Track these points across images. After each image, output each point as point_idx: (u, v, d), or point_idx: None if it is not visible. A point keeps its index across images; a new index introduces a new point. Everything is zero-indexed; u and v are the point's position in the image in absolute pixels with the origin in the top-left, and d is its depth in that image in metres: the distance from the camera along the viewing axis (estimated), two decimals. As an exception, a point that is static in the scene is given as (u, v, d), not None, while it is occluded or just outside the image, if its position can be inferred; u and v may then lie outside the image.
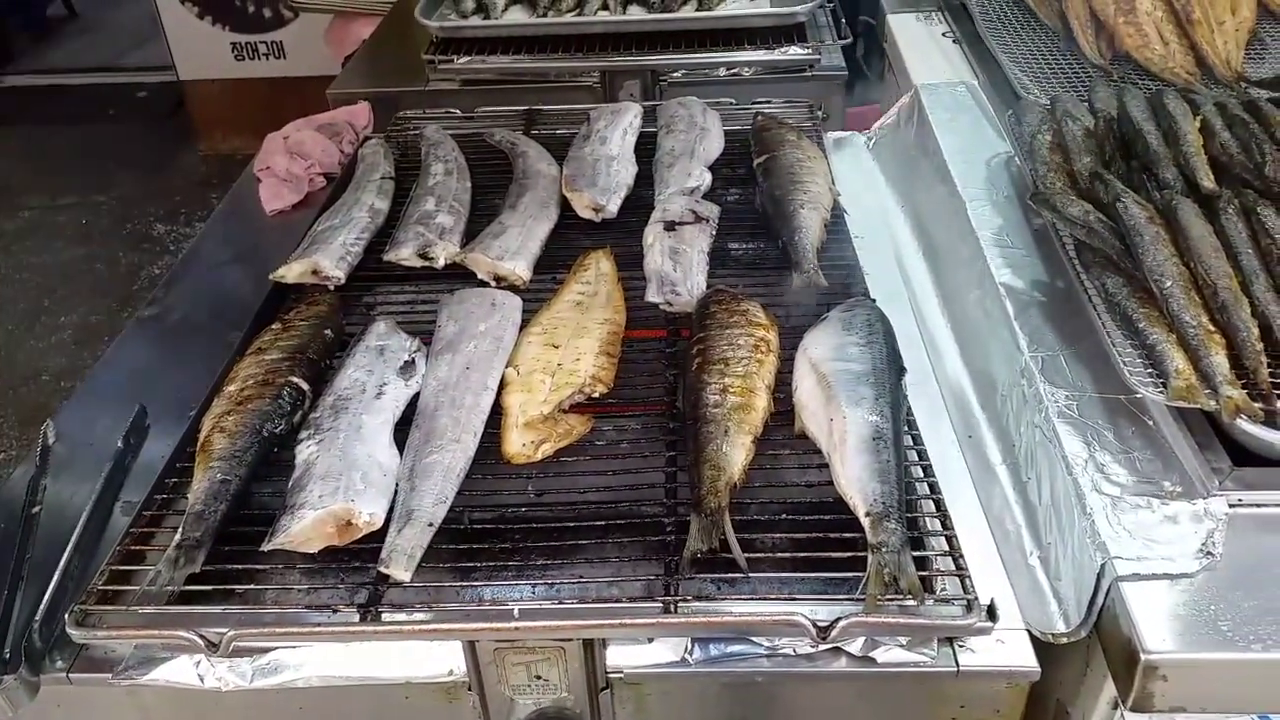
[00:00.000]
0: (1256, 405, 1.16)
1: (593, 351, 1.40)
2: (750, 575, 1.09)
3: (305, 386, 1.34)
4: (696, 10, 2.68)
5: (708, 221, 1.75)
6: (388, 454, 1.23)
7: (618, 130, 2.04)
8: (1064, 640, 1.12)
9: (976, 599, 1.06)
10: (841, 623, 1.02)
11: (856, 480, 1.14)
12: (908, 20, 2.51)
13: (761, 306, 1.46)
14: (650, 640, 1.10)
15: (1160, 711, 1.06)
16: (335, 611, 1.05)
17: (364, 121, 2.30)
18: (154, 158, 5.61)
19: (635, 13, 2.72)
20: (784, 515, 1.17)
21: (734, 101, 2.26)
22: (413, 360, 1.39)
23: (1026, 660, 1.10)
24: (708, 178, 1.90)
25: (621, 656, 1.12)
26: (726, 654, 1.10)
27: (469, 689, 1.12)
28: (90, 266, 4.73)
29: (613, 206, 1.83)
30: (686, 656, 1.11)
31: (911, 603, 1.04)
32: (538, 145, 2.05)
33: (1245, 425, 1.17)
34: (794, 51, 2.52)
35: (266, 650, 1.09)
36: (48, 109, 6.46)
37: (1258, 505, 1.16)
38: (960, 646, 1.12)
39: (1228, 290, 1.24)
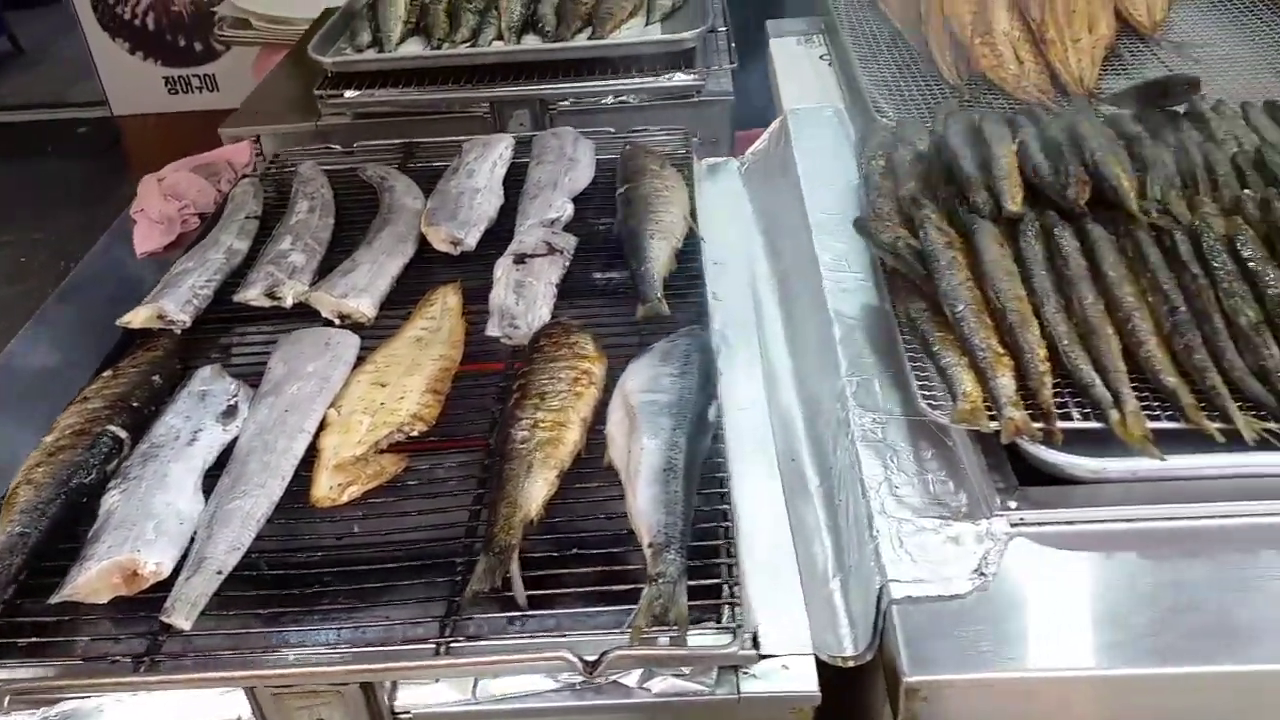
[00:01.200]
0: (1036, 426, 1.19)
1: (419, 390, 1.41)
2: (531, 613, 1.10)
3: (123, 435, 1.35)
4: (589, 39, 2.72)
5: (562, 253, 1.77)
6: (190, 502, 1.24)
7: (486, 163, 2.06)
8: (851, 664, 1.13)
9: (740, 628, 1.07)
10: (609, 656, 1.04)
11: (642, 512, 1.16)
12: (789, 44, 2.55)
13: (592, 338, 1.48)
14: (436, 680, 1.11)
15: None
16: (114, 662, 1.06)
17: (244, 160, 2.32)
18: (91, 193, 5.60)
19: (530, 42, 2.75)
20: (574, 550, 1.18)
21: (613, 130, 2.29)
22: (235, 405, 1.40)
23: (807, 686, 1.11)
24: (569, 209, 1.92)
25: (412, 696, 1.13)
26: (511, 692, 1.11)
27: (264, 732, 1.13)
28: (25, 304, 4.71)
29: (471, 240, 1.84)
30: (473, 694, 1.12)
31: (677, 633, 1.05)
32: (408, 180, 2.07)
33: (1025, 445, 1.19)
34: (679, 78, 2.55)
35: (55, 702, 1.10)
36: (-7, 146, 6.46)
37: (1039, 524, 1.19)
38: (745, 674, 1.13)
39: (1016, 313, 1.26)
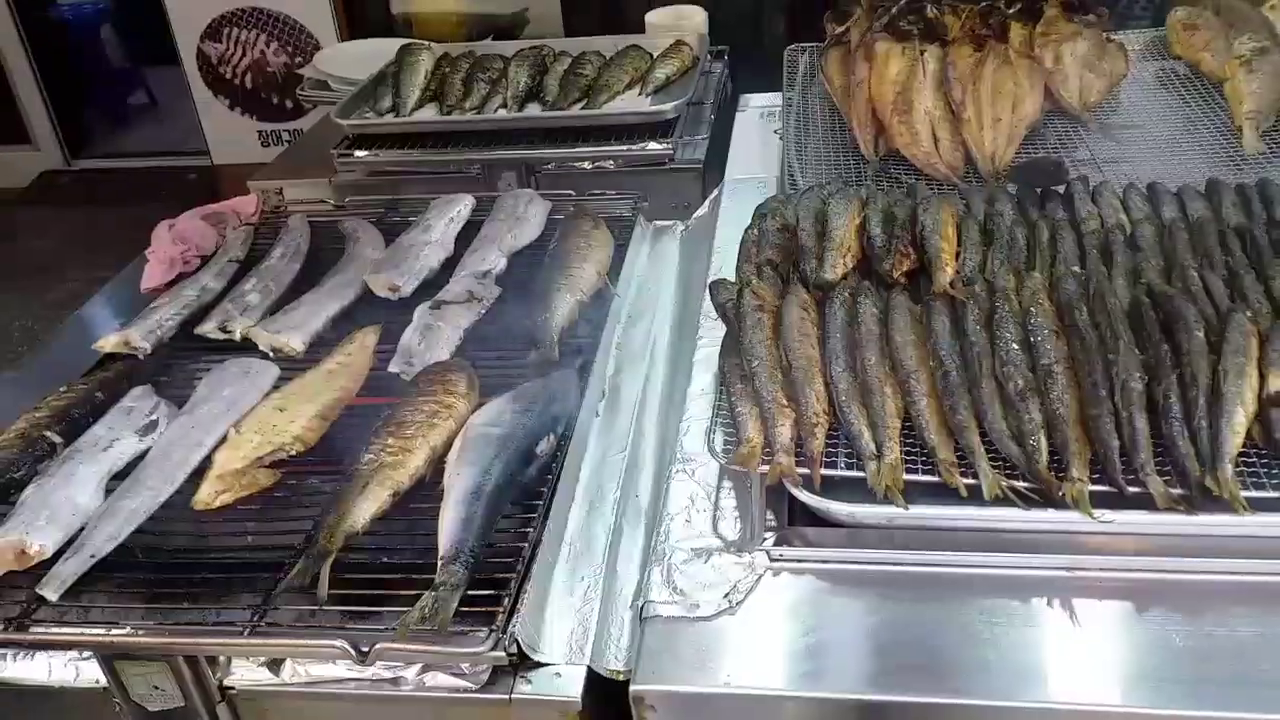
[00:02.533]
0: (800, 471, 1.31)
1: (308, 415, 1.62)
2: (329, 608, 1.28)
3: (58, 440, 1.60)
4: (584, 109, 2.95)
5: (480, 301, 1.97)
6: (90, 498, 1.47)
7: (444, 219, 2.28)
8: (620, 676, 1.27)
9: (498, 633, 1.22)
10: (376, 647, 1.21)
11: (444, 530, 1.33)
12: (752, 116, 2.71)
13: (468, 378, 1.66)
14: (263, 662, 1.30)
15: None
16: (-8, 625, 1.28)
17: (250, 210, 2.60)
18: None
19: (531, 110, 3.01)
20: (383, 559, 1.36)
21: (574, 193, 2.50)
22: (155, 421, 1.64)
23: (570, 693, 1.26)
24: (502, 263, 2.12)
25: (237, 675, 1.32)
26: (318, 677, 1.29)
27: (114, 696, 1.33)
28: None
29: (408, 288, 2.06)
30: (290, 677, 1.30)
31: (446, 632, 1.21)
32: (376, 233, 2.31)
33: (790, 489, 1.32)
34: (652, 146, 2.75)
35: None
36: (110, 191, 7.12)
37: (797, 560, 1.31)
38: (521, 678, 1.28)
39: (801, 369, 1.40)
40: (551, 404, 1.57)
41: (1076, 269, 1.57)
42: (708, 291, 1.68)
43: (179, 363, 1.95)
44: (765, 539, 1.32)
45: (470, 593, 1.28)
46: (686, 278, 2.16)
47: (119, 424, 1.62)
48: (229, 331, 1.95)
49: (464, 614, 1.26)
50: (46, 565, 1.36)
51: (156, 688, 1.31)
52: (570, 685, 1.27)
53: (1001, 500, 1.25)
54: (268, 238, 2.39)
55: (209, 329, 1.96)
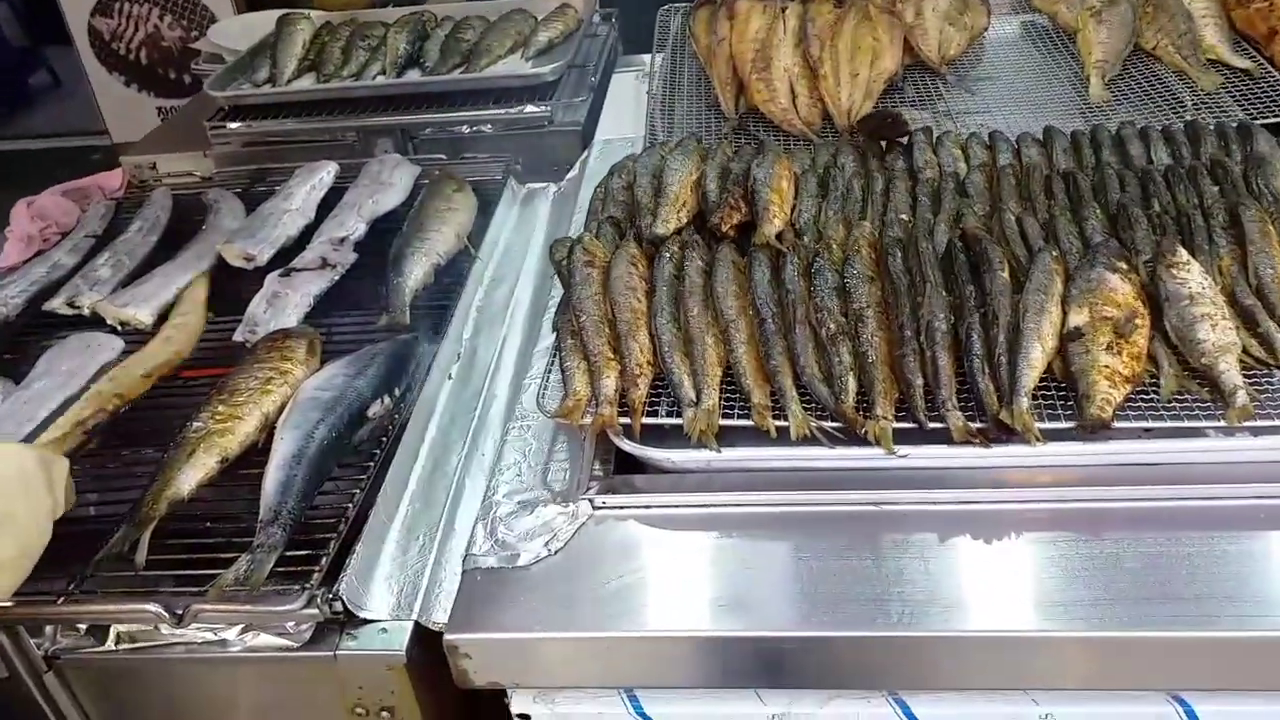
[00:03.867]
0: (621, 421, 1.33)
1: (134, 376, 1.61)
2: (150, 573, 1.27)
3: (-121, 421, 1.56)
4: (463, 73, 2.92)
5: (334, 268, 1.95)
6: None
7: (305, 186, 2.25)
8: (442, 629, 1.28)
9: (308, 591, 1.22)
10: (190, 609, 1.20)
11: (265, 492, 1.33)
12: (628, 78, 2.71)
13: (310, 344, 1.65)
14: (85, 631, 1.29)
15: (484, 686, 1.23)
16: None
17: (115, 185, 2.54)
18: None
19: (411, 76, 2.97)
20: (206, 524, 1.36)
21: (444, 157, 2.48)
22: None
23: (393, 647, 1.26)
24: (361, 228, 2.10)
25: (68, 641, 1.30)
26: (150, 643, 1.28)
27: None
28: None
29: (263, 256, 2.03)
30: (115, 644, 1.30)
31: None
32: (237, 204, 2.27)
33: (613, 439, 1.34)
34: (529, 109, 2.73)
35: None
36: (12, 172, 6.89)
37: (619, 508, 1.33)
38: (347, 635, 1.29)
39: (625, 322, 1.41)
40: (388, 367, 1.57)
41: (904, 217, 1.60)
42: (549, 251, 1.68)
43: (28, 340, 1.91)
44: (591, 488, 1.34)
45: (292, 554, 1.28)
46: (552, 240, 2.15)
47: (-53, 401, 1.58)
48: (77, 307, 1.91)
49: (285, 574, 1.27)
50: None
51: (-24, 659, 1.29)
52: (395, 640, 1.27)
53: (811, 440, 1.29)
54: (132, 213, 2.34)
55: (57, 304, 1.92)
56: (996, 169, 1.74)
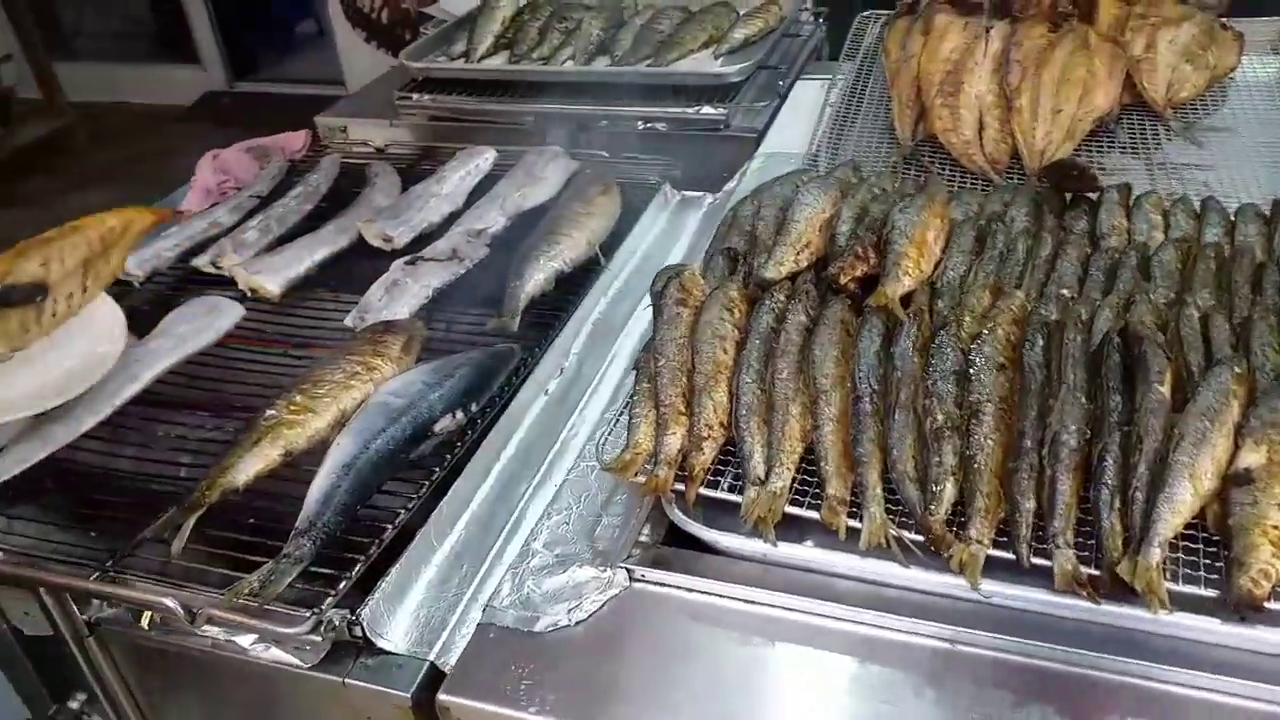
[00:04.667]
0: (676, 488, 1.19)
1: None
2: (191, 565, 1.26)
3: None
4: (648, 66, 2.81)
5: (462, 261, 1.91)
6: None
7: (459, 172, 2.23)
8: (456, 674, 1.20)
9: (319, 616, 1.17)
10: (203, 611, 1.18)
11: (307, 499, 1.28)
12: (813, 87, 2.52)
13: (407, 342, 1.61)
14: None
15: (474, 755, 1.14)
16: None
17: (298, 146, 2.62)
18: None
19: (599, 64, 2.90)
20: (250, 520, 1.33)
21: (606, 154, 2.39)
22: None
23: (399, 687, 1.19)
24: (501, 221, 2.05)
25: (113, 611, 1.32)
26: (178, 629, 1.27)
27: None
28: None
29: (401, 239, 2.02)
30: (145, 622, 1.30)
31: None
32: (396, 180, 2.27)
33: (665, 505, 1.20)
34: (706, 110, 2.60)
35: None
36: (263, 114, 7.44)
37: (658, 583, 1.19)
38: (361, 664, 1.23)
39: (703, 375, 1.27)
40: (470, 380, 1.50)
41: (1066, 292, 1.36)
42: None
43: (173, 295, 1.98)
44: (632, 555, 1.21)
45: (319, 570, 1.24)
46: (694, 256, 2.02)
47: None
48: (219, 268, 1.97)
49: (307, 588, 1.22)
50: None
51: (27, 614, 1.33)
52: (405, 678, 1.20)
53: (884, 550, 1.10)
54: (300, 177, 2.40)
55: (202, 262, 1.98)
56: (1198, 246, 1.45)
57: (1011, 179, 1.84)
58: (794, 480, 1.19)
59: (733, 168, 2.50)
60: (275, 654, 1.22)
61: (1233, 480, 1.07)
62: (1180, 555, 1.06)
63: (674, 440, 1.23)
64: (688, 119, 2.62)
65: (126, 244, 1.68)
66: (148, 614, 1.30)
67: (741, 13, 3.02)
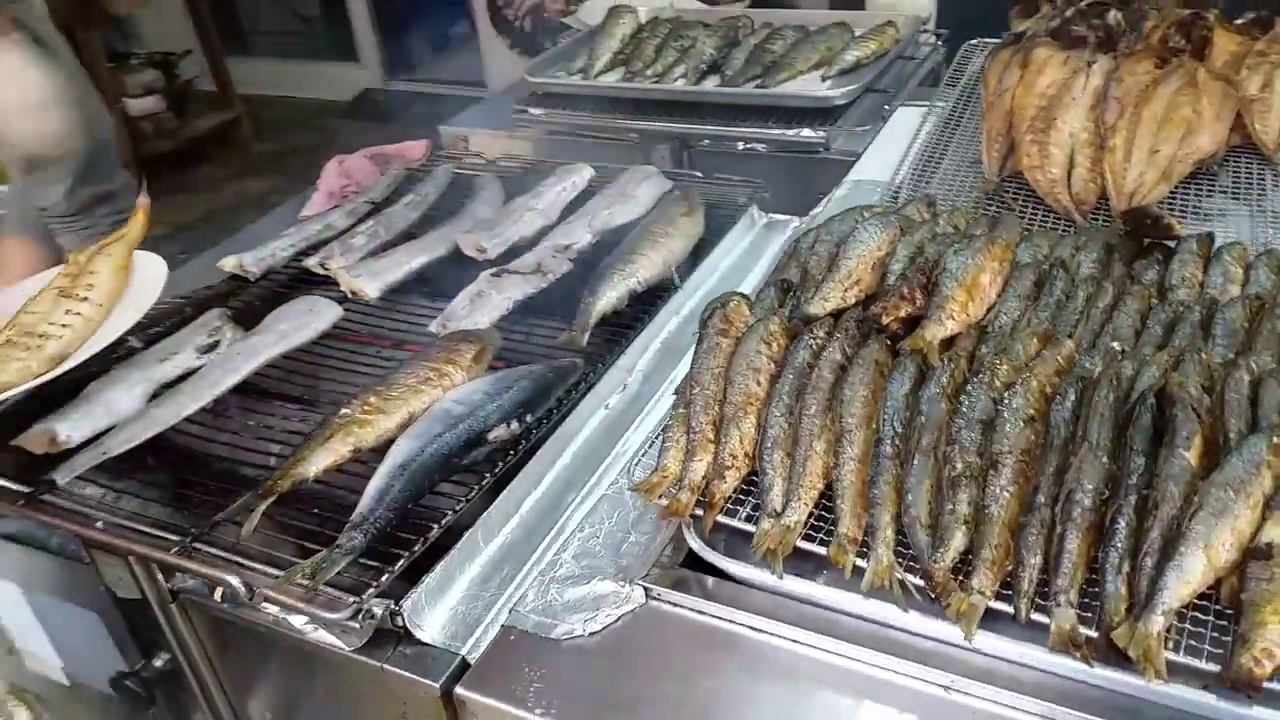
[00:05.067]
0: (691, 514, 1.25)
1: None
2: (255, 547, 1.39)
3: (139, 346, 1.84)
4: (756, 87, 2.85)
5: (545, 275, 2.00)
6: (131, 400, 1.67)
7: (556, 188, 2.32)
8: (478, 667, 1.29)
9: (360, 606, 1.27)
10: (260, 591, 1.30)
11: (365, 495, 1.39)
12: (911, 114, 2.50)
13: (479, 351, 1.71)
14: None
15: (487, 749, 1.22)
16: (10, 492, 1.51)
17: (417, 155, 2.78)
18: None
19: (709, 83, 2.96)
20: (314, 510, 1.45)
21: (699, 175, 2.45)
22: (216, 342, 1.83)
23: (430, 677, 1.28)
24: (587, 238, 2.13)
25: (185, 583, 1.47)
26: (247, 605, 1.41)
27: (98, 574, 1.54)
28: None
29: (494, 251, 2.13)
30: (219, 598, 1.44)
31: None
32: (499, 192, 2.39)
33: (684, 530, 1.25)
34: (806, 133, 2.62)
35: None
36: (413, 112, 7.80)
37: (672, 603, 1.25)
38: (400, 651, 1.33)
39: (734, 405, 1.31)
40: (529, 392, 1.58)
41: (1117, 345, 1.34)
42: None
43: (286, 293, 2.15)
44: (651, 574, 1.27)
45: (372, 562, 1.34)
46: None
47: (185, 340, 1.82)
48: (327, 269, 2.12)
49: (358, 580, 1.33)
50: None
51: (120, 578, 1.49)
52: (438, 669, 1.29)
53: (885, 592, 1.12)
54: (412, 186, 2.55)
55: (312, 263, 2.14)
56: (1272, 304, 1.39)
57: (1097, 221, 1.80)
58: (811, 516, 1.22)
59: (826, 191, 2.53)
60: (323, 636, 1.34)
61: (1252, 554, 1.04)
62: (1187, 626, 1.05)
63: (699, 467, 1.28)
64: (787, 141, 2.65)
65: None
66: (219, 588, 1.44)
67: (856, 34, 3.03)
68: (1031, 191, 1.90)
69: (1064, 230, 1.78)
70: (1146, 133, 1.86)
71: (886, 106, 2.72)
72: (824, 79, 2.84)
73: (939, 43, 3.17)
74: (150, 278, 1.90)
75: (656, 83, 2.98)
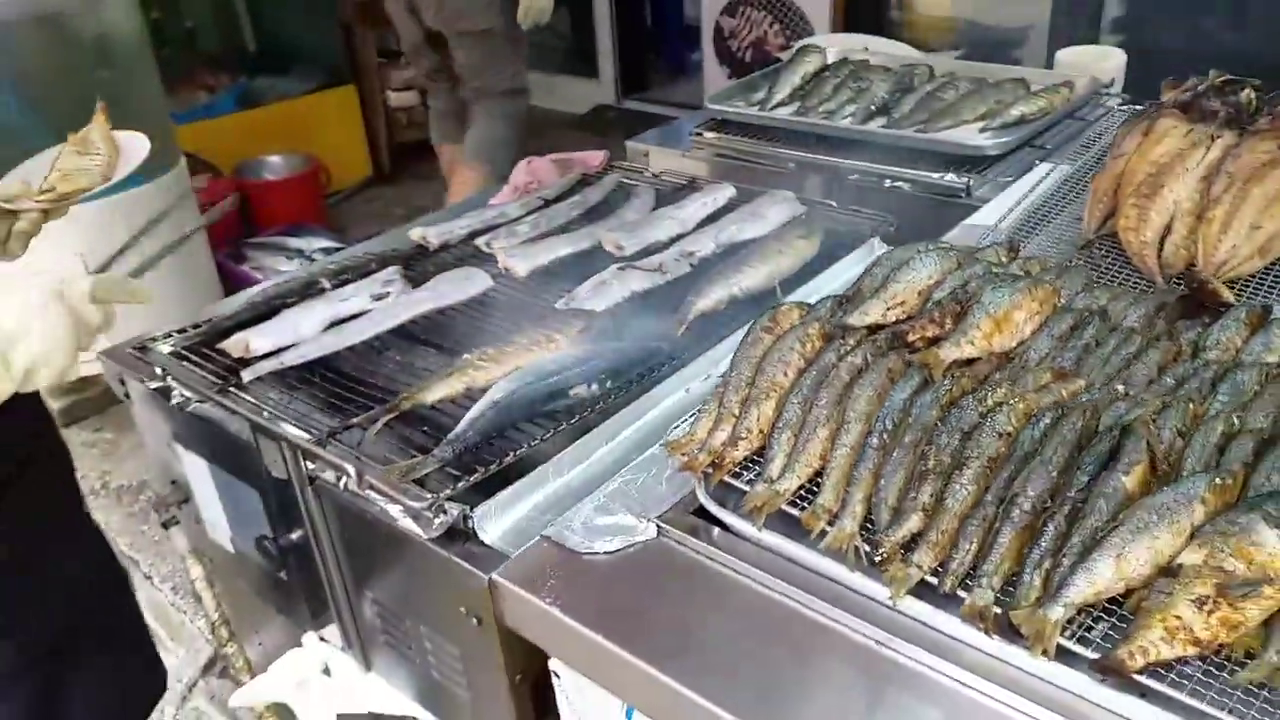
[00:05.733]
0: (704, 472, 1.48)
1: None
2: (375, 451, 1.75)
3: (326, 286, 2.26)
4: (916, 131, 3.01)
5: (664, 274, 2.28)
6: (309, 326, 2.08)
7: (699, 202, 2.60)
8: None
9: (437, 501, 1.58)
10: (366, 478, 1.65)
11: (462, 420, 1.72)
12: (1047, 168, 2.59)
13: (584, 328, 2.00)
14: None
15: (515, 630, 1.50)
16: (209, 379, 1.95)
17: (595, 163, 3.13)
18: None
19: (875, 124, 3.15)
20: (424, 428, 1.79)
21: (835, 204, 2.65)
22: (386, 293, 2.23)
23: (484, 569, 1.58)
24: (710, 247, 2.39)
25: (320, 471, 1.85)
26: (360, 494, 1.76)
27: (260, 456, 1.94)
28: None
29: (630, 249, 2.43)
30: (342, 486, 1.80)
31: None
32: (650, 201, 2.70)
33: (696, 484, 1.50)
34: (949, 178, 2.76)
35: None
36: (639, 130, 8.29)
37: (677, 541, 1.49)
38: (470, 547, 1.63)
39: (761, 390, 1.53)
40: (613, 364, 1.86)
41: (1122, 388, 1.46)
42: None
43: (456, 263, 2.54)
44: (666, 515, 1.52)
45: (455, 472, 1.66)
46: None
47: (363, 287, 2.23)
48: (490, 249, 2.50)
49: (444, 485, 1.65)
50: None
51: (275, 462, 1.89)
52: (489, 565, 1.59)
53: (840, 554, 1.32)
54: (582, 189, 2.89)
55: (480, 242, 2.52)
56: (1294, 376, 1.46)
57: (1178, 286, 1.88)
58: (801, 488, 1.43)
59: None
60: (410, 525, 1.67)
61: (1163, 571, 1.17)
62: (1088, 622, 1.18)
63: (720, 436, 1.51)
64: (930, 183, 2.80)
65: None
66: (343, 477, 1.80)
67: (1031, 89, 3.12)
68: (1122, 252, 1.99)
69: (1143, 290, 1.87)
70: (1251, 209, 1.91)
71: (1037, 161, 2.82)
72: (982, 130, 2.96)
73: (1117, 108, 3.20)
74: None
75: (825, 119, 3.19)
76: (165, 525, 2.44)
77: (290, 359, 1.98)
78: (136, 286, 1.55)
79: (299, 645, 2.22)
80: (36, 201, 1.78)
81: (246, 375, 1.94)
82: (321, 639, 2.17)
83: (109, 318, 1.50)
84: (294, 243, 5.72)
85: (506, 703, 1.70)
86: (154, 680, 2.27)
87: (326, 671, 2.20)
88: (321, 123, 6.84)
